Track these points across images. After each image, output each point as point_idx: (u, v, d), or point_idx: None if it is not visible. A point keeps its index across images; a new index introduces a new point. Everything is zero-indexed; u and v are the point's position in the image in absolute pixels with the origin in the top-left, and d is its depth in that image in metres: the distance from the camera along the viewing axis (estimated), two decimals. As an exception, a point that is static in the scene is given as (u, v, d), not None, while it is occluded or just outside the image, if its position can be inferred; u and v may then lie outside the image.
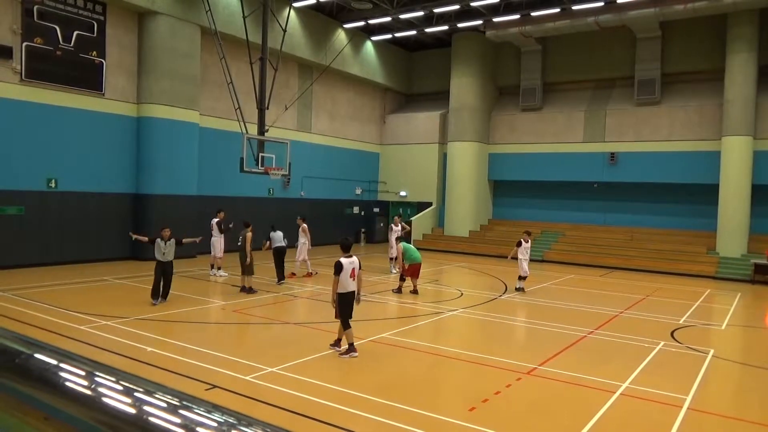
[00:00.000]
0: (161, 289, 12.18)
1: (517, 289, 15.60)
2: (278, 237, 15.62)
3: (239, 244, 14.11)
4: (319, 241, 25.67)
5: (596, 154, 25.20)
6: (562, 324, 11.61)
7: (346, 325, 8.77)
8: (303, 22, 24.33)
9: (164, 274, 12.17)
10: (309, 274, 16.89)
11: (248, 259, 13.84)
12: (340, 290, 8.72)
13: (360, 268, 8.92)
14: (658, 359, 9.30)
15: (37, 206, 16.70)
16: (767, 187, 21.89)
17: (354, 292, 8.85)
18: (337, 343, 9.04)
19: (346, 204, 28.63)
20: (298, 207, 25.10)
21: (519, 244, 15.46)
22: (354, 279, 8.78)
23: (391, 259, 18.64)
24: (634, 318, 12.93)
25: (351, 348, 8.74)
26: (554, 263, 23.27)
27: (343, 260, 8.70)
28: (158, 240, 12.13)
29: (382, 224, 30.12)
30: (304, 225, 16.58)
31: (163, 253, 12.09)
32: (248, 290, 13.89)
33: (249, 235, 14.12)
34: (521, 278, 15.58)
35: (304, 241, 16.54)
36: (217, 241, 16.56)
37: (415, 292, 14.84)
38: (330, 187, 27.53)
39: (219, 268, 16.52)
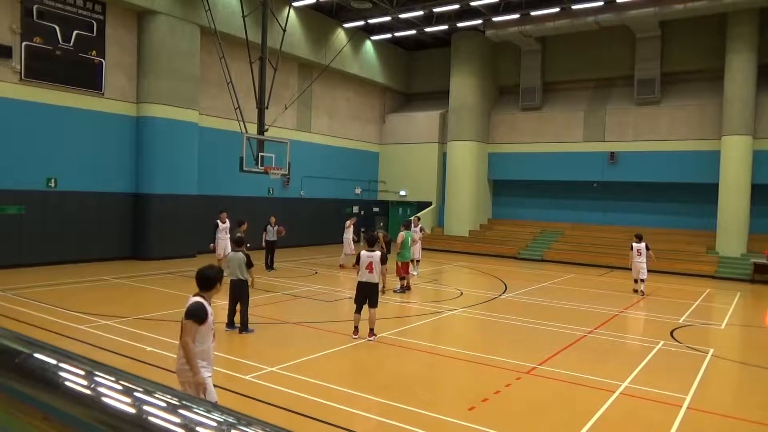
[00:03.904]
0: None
1: (635, 291, 15.80)
2: (271, 231, 17.78)
3: None
4: (319, 241, 25.80)
5: (596, 154, 25.19)
6: (562, 323, 11.60)
7: (356, 309, 9.73)
8: (303, 22, 24.31)
9: (241, 297, 9.90)
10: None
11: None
12: (359, 278, 9.82)
13: (384, 263, 9.84)
14: (657, 359, 9.31)
15: (37, 206, 16.68)
16: (767, 186, 21.90)
17: (366, 282, 9.65)
18: (356, 330, 9.80)
19: (346, 203, 28.61)
20: (298, 207, 25.15)
21: (648, 248, 15.55)
22: (371, 272, 9.61)
23: (413, 261, 18.16)
24: (634, 317, 12.93)
25: (354, 330, 9.75)
26: (554, 263, 23.26)
27: (362, 253, 9.80)
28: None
29: (381, 224, 30.17)
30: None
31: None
32: None
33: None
34: (643, 281, 15.67)
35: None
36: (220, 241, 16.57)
37: (407, 287, 14.94)
38: (330, 186, 27.52)
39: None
